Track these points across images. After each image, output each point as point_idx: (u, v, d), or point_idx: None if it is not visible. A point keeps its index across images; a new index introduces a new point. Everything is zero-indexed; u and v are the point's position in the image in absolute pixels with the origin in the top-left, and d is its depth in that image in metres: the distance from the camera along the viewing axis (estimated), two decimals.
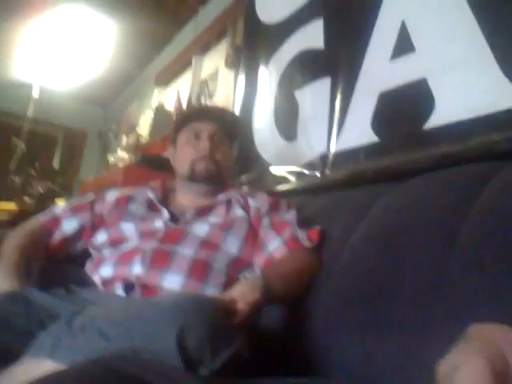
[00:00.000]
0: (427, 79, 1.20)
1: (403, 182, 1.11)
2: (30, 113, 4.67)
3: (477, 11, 1.11)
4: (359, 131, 1.41)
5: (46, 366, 0.70)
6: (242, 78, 2.27)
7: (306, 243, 1.16)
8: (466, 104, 1.10)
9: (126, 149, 2.99)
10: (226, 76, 2.75)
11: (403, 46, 1.30)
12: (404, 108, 1.28)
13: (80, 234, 1.32)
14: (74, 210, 1.35)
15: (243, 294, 0.89)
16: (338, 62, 1.57)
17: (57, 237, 1.30)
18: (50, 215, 1.35)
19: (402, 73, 1.29)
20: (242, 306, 0.86)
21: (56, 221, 1.32)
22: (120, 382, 0.35)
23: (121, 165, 2.83)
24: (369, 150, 1.36)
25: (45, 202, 3.24)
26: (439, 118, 1.16)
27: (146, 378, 0.35)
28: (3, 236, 1.26)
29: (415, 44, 1.26)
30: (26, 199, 3.34)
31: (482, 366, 0.31)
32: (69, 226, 1.32)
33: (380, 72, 1.38)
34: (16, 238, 1.24)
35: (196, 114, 1.40)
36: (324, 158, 1.54)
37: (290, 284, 1.03)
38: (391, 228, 0.98)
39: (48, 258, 1.27)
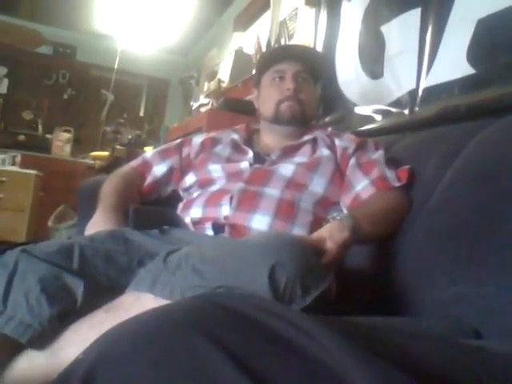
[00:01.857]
0: None
1: (503, 117, 1.02)
2: (116, 65, 4.83)
3: None
4: (453, 63, 1.31)
5: (147, 299, 0.75)
6: (323, 15, 2.18)
7: (395, 183, 1.12)
8: None
9: (208, 94, 3.02)
10: (306, 15, 2.65)
11: None
12: (505, 35, 1.16)
13: (170, 176, 1.38)
14: (163, 154, 1.40)
15: (332, 233, 0.89)
16: None
17: (148, 180, 1.36)
18: (140, 160, 1.41)
19: None
20: (330, 245, 0.86)
21: (147, 165, 1.38)
22: (231, 319, 0.35)
23: (203, 110, 2.87)
24: (464, 84, 1.27)
25: (134, 148, 3.39)
26: None
27: (255, 315, 0.36)
28: (101, 181, 1.34)
29: None
30: (118, 147, 3.51)
31: None
32: (159, 169, 1.38)
33: None
34: (111, 182, 1.32)
35: (279, 55, 1.37)
36: (413, 94, 1.46)
37: (378, 223, 1.02)
38: (490, 165, 0.92)
39: (141, 200, 1.34)
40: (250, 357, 0.32)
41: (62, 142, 4.75)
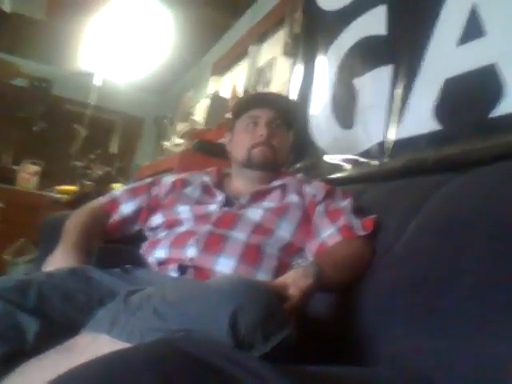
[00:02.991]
0: (498, 65, 1.14)
1: (467, 172, 1.06)
2: (92, 100, 4.83)
3: None
4: (421, 119, 1.36)
5: (103, 341, 0.72)
6: (299, 66, 2.24)
7: (360, 231, 1.13)
8: None
9: (182, 135, 3.04)
10: (282, 64, 2.73)
11: (473, 30, 1.24)
12: (471, 95, 1.22)
13: (137, 215, 1.36)
14: (132, 193, 1.39)
15: (295, 279, 0.88)
16: (400, 48, 1.52)
17: (115, 218, 1.34)
18: (109, 197, 1.39)
19: (469, 58, 1.23)
20: (293, 291, 0.85)
21: (115, 202, 1.37)
22: (188, 364, 0.34)
23: (176, 151, 2.88)
24: (431, 139, 1.31)
25: (103, 185, 3.35)
26: (508, 105, 1.10)
27: (214, 361, 0.35)
28: (66, 216, 1.31)
29: (487, 28, 1.19)
30: (87, 182, 3.47)
31: None
32: (127, 207, 1.36)
33: (446, 58, 1.32)
34: (77, 217, 1.29)
35: (255, 101, 1.40)
36: (382, 146, 1.50)
37: (342, 272, 1.02)
38: (452, 220, 0.94)
39: (106, 238, 1.31)
40: None
41: (28, 174, 4.65)
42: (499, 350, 0.68)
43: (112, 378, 0.33)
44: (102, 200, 1.39)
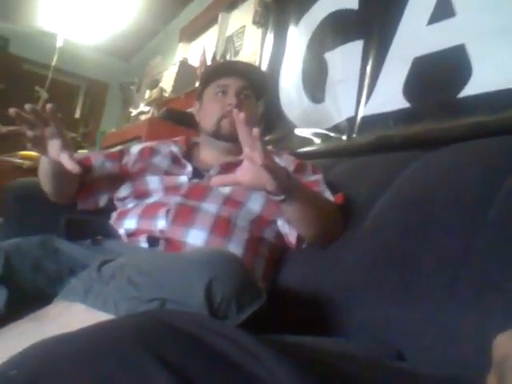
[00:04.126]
0: (466, 45, 1.17)
1: (433, 150, 1.09)
2: (53, 62, 4.65)
3: None
4: (390, 96, 1.38)
5: (77, 309, 0.72)
6: (269, 36, 2.23)
7: (333, 202, 1.15)
8: (506, 73, 1.07)
9: (149, 102, 2.98)
10: (252, 34, 2.70)
11: (443, 10, 1.26)
12: (439, 74, 1.25)
13: (110, 181, 1.32)
14: (105, 156, 1.36)
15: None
16: (372, 24, 1.53)
17: (88, 173, 1.29)
18: (80, 156, 1.33)
19: (439, 38, 1.26)
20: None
21: (87, 159, 1.32)
22: (173, 336, 0.35)
23: (142, 118, 2.83)
24: (398, 116, 1.34)
25: None
26: (476, 86, 1.13)
27: (199, 333, 0.36)
28: (31, 183, 1.27)
29: (457, 8, 1.22)
30: None
31: None
32: (99, 164, 1.32)
33: (416, 37, 1.34)
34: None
35: (224, 69, 1.38)
36: (351, 121, 1.53)
37: (312, 207, 1.05)
38: (419, 195, 0.97)
39: (80, 197, 1.28)
40: (194, 374, 0.32)
41: None
42: (460, 324, 0.72)
43: (100, 352, 0.34)
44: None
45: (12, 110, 0.93)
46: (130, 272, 0.74)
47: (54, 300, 0.77)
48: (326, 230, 1.09)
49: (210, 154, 1.35)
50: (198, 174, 1.26)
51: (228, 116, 1.29)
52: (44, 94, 4.51)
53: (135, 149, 1.39)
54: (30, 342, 0.41)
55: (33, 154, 3.77)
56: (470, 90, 1.14)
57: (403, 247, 0.91)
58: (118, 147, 1.44)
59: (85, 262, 0.91)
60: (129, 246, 1.11)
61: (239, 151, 1.31)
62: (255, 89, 1.37)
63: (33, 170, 3.28)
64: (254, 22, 2.57)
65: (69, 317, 0.71)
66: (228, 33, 3.09)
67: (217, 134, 1.32)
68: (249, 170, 0.94)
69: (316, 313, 1.00)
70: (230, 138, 1.31)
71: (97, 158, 1.34)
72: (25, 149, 4.15)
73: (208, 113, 1.34)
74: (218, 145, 1.34)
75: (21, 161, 3.88)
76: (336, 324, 0.94)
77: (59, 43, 4.63)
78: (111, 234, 1.15)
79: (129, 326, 0.37)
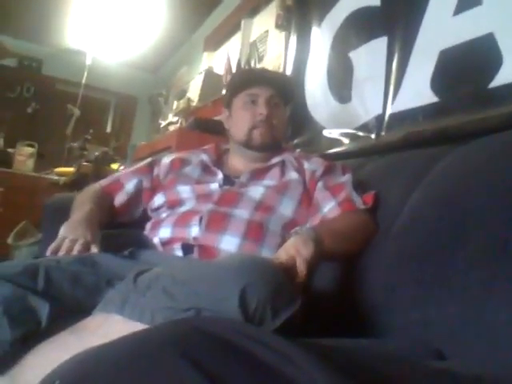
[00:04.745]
0: (495, 34, 1.14)
1: (465, 144, 1.07)
2: (83, 80, 4.77)
3: None
4: (417, 91, 1.36)
5: (115, 320, 0.73)
6: (293, 39, 2.22)
7: (361, 206, 1.15)
8: None
9: (177, 113, 3.02)
10: (276, 38, 2.70)
11: None
12: (467, 66, 1.22)
13: (140, 194, 1.36)
14: (134, 173, 1.39)
15: (298, 249, 0.89)
16: (395, 20, 1.51)
17: (120, 198, 1.34)
18: (110, 179, 1.39)
19: (466, 28, 1.23)
20: (300, 264, 0.87)
21: (118, 183, 1.37)
22: (210, 343, 0.36)
23: (171, 129, 2.86)
24: (427, 111, 1.32)
25: (101, 165, 3.34)
26: (507, 74, 1.10)
27: (234, 339, 0.36)
28: (68, 197, 1.31)
29: None
30: (84, 163, 3.45)
31: None
32: (131, 187, 1.36)
33: (441, 29, 1.32)
34: (85, 195, 1.29)
35: (252, 78, 1.38)
36: (379, 119, 1.51)
37: (341, 240, 1.04)
38: (453, 191, 0.95)
39: (113, 219, 1.31)
40: (231, 380, 0.32)
41: (24, 156, 4.62)
42: (499, 318, 0.70)
43: (139, 358, 0.34)
44: (104, 182, 1.39)
45: None
46: (165, 282, 0.74)
47: (93, 312, 0.78)
48: (361, 245, 1.08)
49: (240, 161, 1.37)
50: (228, 180, 1.28)
51: (259, 126, 1.30)
52: (76, 112, 4.63)
53: (166, 160, 1.42)
54: (71, 354, 0.42)
55: (68, 170, 3.88)
56: (502, 79, 1.11)
57: (439, 243, 0.89)
58: (148, 159, 1.47)
59: (122, 273, 0.92)
60: (163, 255, 1.12)
61: (268, 157, 1.33)
62: (283, 96, 1.37)
63: (69, 185, 3.38)
64: (277, 26, 2.57)
65: (107, 329, 0.72)
66: (251, 38, 3.10)
67: (248, 144, 1.33)
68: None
69: (353, 314, 0.99)
70: (260, 148, 1.33)
71: (127, 178, 1.38)
72: (59, 165, 4.28)
73: (239, 122, 1.35)
74: (249, 153, 1.35)
75: (56, 178, 3.99)
76: (374, 324, 0.93)
77: (88, 61, 4.75)
78: (145, 244, 1.17)
79: (166, 333, 0.38)
